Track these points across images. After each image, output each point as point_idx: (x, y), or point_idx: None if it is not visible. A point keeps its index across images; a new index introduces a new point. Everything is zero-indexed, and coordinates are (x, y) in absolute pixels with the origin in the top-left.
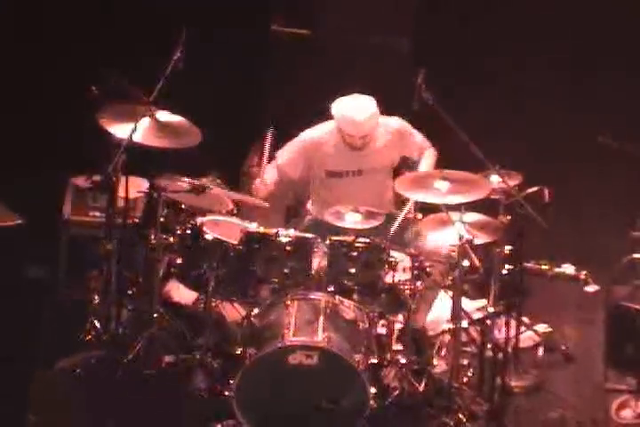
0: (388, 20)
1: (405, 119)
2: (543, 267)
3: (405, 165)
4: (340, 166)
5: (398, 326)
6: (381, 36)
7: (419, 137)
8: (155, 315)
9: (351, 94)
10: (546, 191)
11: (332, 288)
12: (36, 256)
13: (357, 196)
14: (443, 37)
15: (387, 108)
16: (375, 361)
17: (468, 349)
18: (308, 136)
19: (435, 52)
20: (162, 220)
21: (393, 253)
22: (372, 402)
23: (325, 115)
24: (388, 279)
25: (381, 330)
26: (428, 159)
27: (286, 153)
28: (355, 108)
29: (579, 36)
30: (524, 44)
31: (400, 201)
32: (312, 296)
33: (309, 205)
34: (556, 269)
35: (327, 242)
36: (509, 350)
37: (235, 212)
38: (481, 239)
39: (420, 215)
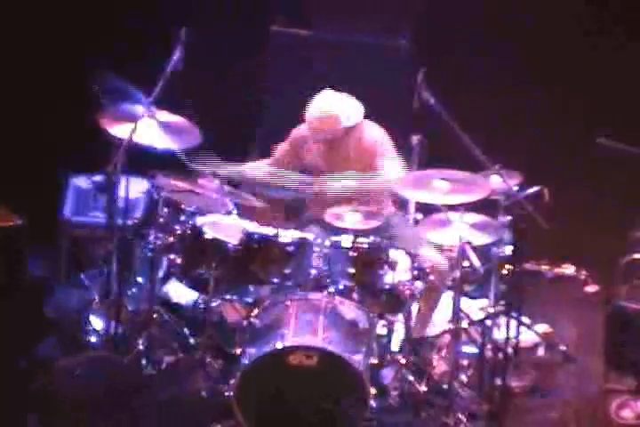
0: (389, 19)
1: (405, 119)
2: (543, 267)
3: None
4: (314, 165)
5: (398, 326)
6: (381, 36)
7: (387, 162)
8: (155, 315)
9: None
10: (546, 191)
11: (331, 289)
12: (35, 256)
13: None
14: (443, 37)
15: (387, 109)
16: (375, 361)
17: (468, 349)
18: (296, 131)
19: (435, 52)
20: (162, 220)
21: (392, 253)
22: (372, 402)
23: None
24: (388, 280)
25: (381, 330)
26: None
27: (279, 148)
28: (316, 98)
29: (579, 35)
30: (525, 44)
31: (400, 202)
32: (312, 297)
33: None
34: (556, 270)
35: (327, 242)
36: (509, 350)
37: (235, 212)
38: (481, 240)
39: (420, 216)
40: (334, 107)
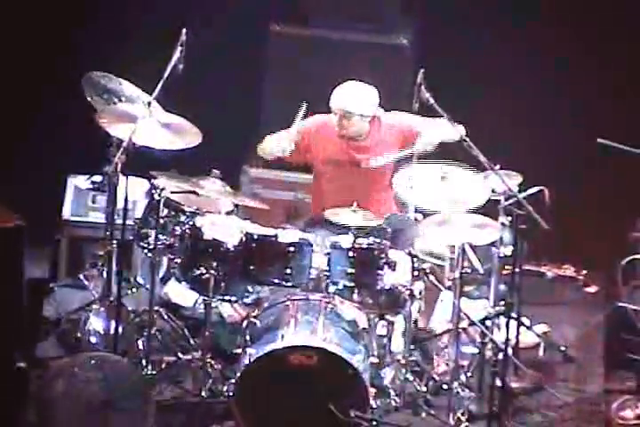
0: (389, 19)
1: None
2: (543, 267)
3: None
4: (338, 155)
5: (398, 326)
6: (382, 35)
7: (415, 123)
8: (155, 315)
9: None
10: (546, 192)
11: (331, 289)
12: (35, 256)
13: (353, 188)
14: (443, 37)
15: (387, 108)
16: (375, 361)
17: (468, 349)
18: (308, 121)
19: (435, 51)
20: (162, 220)
21: (392, 253)
22: (372, 402)
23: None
24: (388, 280)
25: (381, 330)
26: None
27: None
28: (349, 87)
29: (579, 35)
30: (525, 44)
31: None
32: (312, 297)
33: (311, 199)
34: (556, 270)
35: (327, 243)
36: (509, 350)
37: (235, 212)
38: (481, 240)
39: (420, 216)
40: (365, 88)
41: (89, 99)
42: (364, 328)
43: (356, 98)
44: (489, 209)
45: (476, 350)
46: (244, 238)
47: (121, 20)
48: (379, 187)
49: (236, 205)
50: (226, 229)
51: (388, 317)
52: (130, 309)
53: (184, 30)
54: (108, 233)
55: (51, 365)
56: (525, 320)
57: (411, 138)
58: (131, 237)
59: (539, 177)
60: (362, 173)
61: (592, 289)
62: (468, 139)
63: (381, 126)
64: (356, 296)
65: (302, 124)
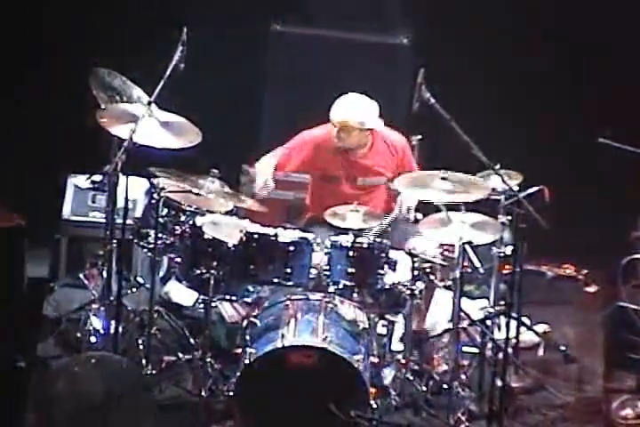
0: (389, 19)
1: (405, 119)
2: (543, 267)
3: None
4: (334, 171)
5: (398, 326)
6: (382, 35)
7: (414, 163)
8: (155, 315)
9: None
10: (546, 191)
11: (331, 289)
12: (35, 256)
13: (349, 197)
14: (443, 37)
15: (387, 108)
16: (375, 361)
17: (469, 349)
18: (308, 135)
19: (435, 51)
20: (162, 220)
21: (393, 253)
22: (372, 402)
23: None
24: (388, 280)
25: (381, 330)
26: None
27: (284, 149)
28: (349, 99)
29: (579, 35)
30: (525, 44)
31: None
32: (312, 296)
33: (307, 202)
34: (556, 270)
35: (327, 242)
36: (509, 350)
37: (235, 212)
38: (481, 240)
39: (420, 215)
40: (366, 102)
41: (94, 92)
42: (364, 328)
43: (355, 111)
44: (489, 209)
45: (476, 350)
46: (243, 238)
47: (122, 20)
48: (374, 194)
49: (236, 205)
50: (226, 228)
51: (388, 316)
52: (130, 308)
53: (184, 30)
54: (107, 233)
55: (51, 364)
56: (525, 320)
57: (403, 158)
58: (131, 237)
59: (539, 177)
60: (357, 187)
61: (592, 289)
62: (468, 138)
63: (379, 141)
64: (356, 296)
65: (298, 138)
